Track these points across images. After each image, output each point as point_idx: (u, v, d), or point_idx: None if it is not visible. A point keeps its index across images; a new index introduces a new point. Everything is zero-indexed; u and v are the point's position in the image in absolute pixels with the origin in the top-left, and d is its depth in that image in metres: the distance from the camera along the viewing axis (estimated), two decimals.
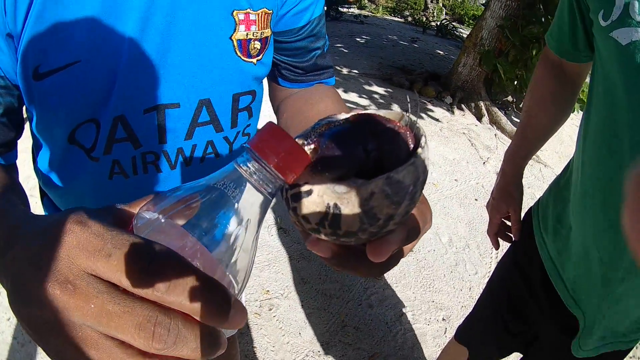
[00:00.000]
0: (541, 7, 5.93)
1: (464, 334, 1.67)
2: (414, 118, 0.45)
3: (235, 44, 0.83)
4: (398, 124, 0.44)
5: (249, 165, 0.40)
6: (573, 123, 5.55)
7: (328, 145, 0.43)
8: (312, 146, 0.45)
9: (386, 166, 0.41)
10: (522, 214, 1.45)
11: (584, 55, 1.18)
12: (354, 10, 15.91)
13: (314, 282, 2.92)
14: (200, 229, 0.38)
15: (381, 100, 6.47)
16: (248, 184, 0.40)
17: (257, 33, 0.85)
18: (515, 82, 6.16)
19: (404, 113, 0.47)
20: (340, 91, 6.58)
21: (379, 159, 0.42)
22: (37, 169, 0.95)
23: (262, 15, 0.84)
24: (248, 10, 0.82)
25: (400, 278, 3.06)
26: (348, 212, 0.39)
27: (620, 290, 1.04)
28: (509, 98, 7.11)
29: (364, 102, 6.32)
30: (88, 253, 0.34)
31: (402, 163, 0.40)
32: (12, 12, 0.68)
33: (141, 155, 0.84)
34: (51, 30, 0.70)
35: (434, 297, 2.95)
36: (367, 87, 6.95)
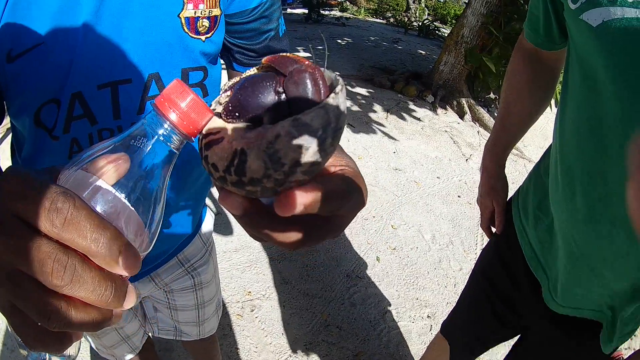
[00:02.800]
0: (525, 3, 5.97)
1: (447, 327, 1.65)
2: (336, 73, 0.44)
3: (182, 21, 0.85)
4: (307, 62, 0.42)
5: (154, 120, 0.42)
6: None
7: (240, 93, 0.42)
8: (228, 93, 0.44)
9: (297, 110, 0.39)
10: None
11: (559, 44, 1.17)
12: (336, 12, 15.96)
13: (295, 282, 2.91)
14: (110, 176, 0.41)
15: (362, 101, 6.48)
16: (154, 138, 0.42)
17: (206, 11, 0.88)
18: (499, 79, 6.19)
19: (320, 65, 0.45)
20: None
21: (292, 103, 0.40)
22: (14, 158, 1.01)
23: None
24: None
25: (383, 276, 3.05)
26: (254, 156, 0.38)
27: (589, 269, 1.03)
28: (492, 95, 7.15)
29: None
30: (11, 196, 0.38)
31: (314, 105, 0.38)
32: None
33: (97, 132, 0.87)
34: (22, 16, 0.74)
35: (418, 295, 2.94)
36: (348, 89, 6.96)
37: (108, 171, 0.41)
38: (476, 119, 6.29)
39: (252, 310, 2.67)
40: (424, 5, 17.49)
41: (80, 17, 0.77)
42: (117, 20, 0.79)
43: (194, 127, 0.42)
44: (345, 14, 15.70)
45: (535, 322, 1.28)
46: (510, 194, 1.43)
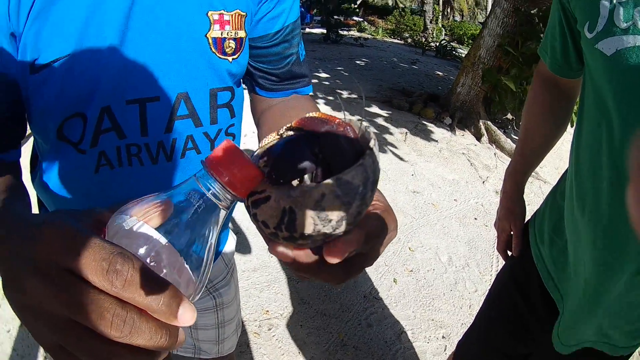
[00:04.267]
0: (540, 22, 5.99)
1: (461, 349, 1.67)
2: (365, 123, 0.48)
3: (210, 41, 0.88)
4: (337, 121, 0.47)
5: (205, 179, 0.44)
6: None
7: (279, 155, 0.46)
8: (265, 158, 0.48)
9: (336, 168, 0.43)
10: None
11: (576, 71, 1.19)
12: (354, 32, 16.06)
13: (313, 303, 2.94)
14: (164, 231, 0.43)
15: (381, 123, 6.54)
16: (205, 196, 0.44)
17: (232, 33, 0.91)
18: (517, 100, 6.18)
19: (357, 118, 0.50)
20: (341, 115, 6.65)
21: (328, 161, 0.45)
22: (34, 179, 1.01)
23: (235, 16, 0.90)
24: (222, 11, 0.88)
25: (399, 297, 3.07)
26: (302, 214, 0.42)
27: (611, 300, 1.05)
28: (508, 116, 7.14)
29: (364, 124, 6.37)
30: (63, 252, 0.40)
31: (351, 164, 0.42)
32: (16, 13, 0.75)
33: (125, 146, 0.88)
34: (47, 27, 0.76)
35: (433, 316, 2.96)
36: (367, 110, 7.02)
37: (160, 226, 0.43)
38: (493, 140, 6.30)
39: (270, 329, 2.70)
40: (440, 26, 17.52)
41: (107, 31, 0.79)
42: (144, 36, 0.82)
43: (245, 189, 0.44)
44: (363, 34, 15.79)
45: (543, 340, 1.30)
46: (527, 215, 1.46)
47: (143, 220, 0.43)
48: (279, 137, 0.51)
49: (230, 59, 0.93)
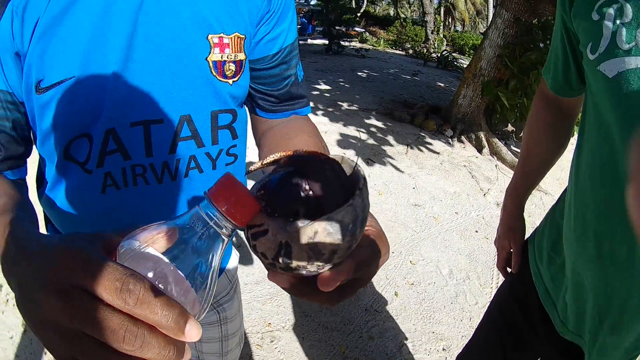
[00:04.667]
0: (540, 32, 6.03)
1: None
2: (358, 160, 0.54)
3: (210, 64, 0.91)
4: (330, 159, 0.53)
5: (208, 209, 0.48)
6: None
7: (274, 191, 0.51)
8: (262, 192, 0.53)
9: (326, 205, 0.48)
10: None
11: (577, 90, 1.20)
12: (356, 43, 16.10)
13: (315, 315, 2.97)
14: (172, 256, 0.47)
15: (382, 135, 6.58)
16: (208, 224, 0.48)
17: (232, 56, 0.93)
18: (516, 111, 6.21)
19: (343, 156, 0.56)
20: (342, 126, 6.68)
21: (318, 197, 0.49)
22: (40, 197, 1.03)
23: (235, 39, 0.93)
24: (221, 34, 0.90)
25: (400, 310, 3.10)
26: (297, 248, 0.46)
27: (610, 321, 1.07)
28: (509, 128, 7.17)
29: (364, 136, 6.43)
30: (80, 274, 0.44)
31: (341, 200, 0.47)
32: (20, 33, 0.79)
33: (130, 167, 0.91)
34: (51, 48, 0.79)
35: (434, 328, 2.99)
36: (368, 122, 7.08)
37: (166, 251, 0.47)
38: (494, 152, 6.33)
39: (272, 341, 2.73)
40: (442, 36, 17.57)
41: (110, 56, 0.82)
42: (146, 61, 0.85)
43: (244, 219, 0.48)
44: (365, 45, 15.82)
45: (546, 356, 1.32)
46: (527, 226, 1.48)
47: (151, 245, 0.47)
48: (274, 168, 0.55)
49: (230, 81, 0.95)
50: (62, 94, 0.82)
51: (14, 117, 0.87)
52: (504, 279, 1.57)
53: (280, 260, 0.48)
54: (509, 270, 1.54)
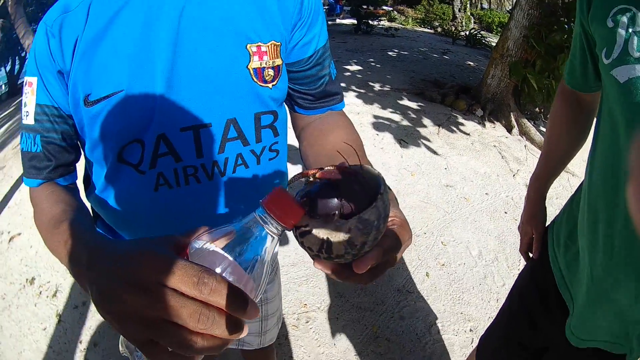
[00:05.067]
0: (562, 14, 5.95)
1: (484, 341, 1.76)
2: (376, 171, 0.67)
3: (251, 72, 1.00)
4: (357, 171, 0.66)
5: (262, 215, 0.59)
6: None
7: (315, 199, 0.64)
8: (305, 199, 0.65)
9: (356, 207, 0.61)
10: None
11: (594, 86, 1.24)
12: (385, 22, 15.93)
13: (349, 296, 3.07)
14: (234, 253, 0.58)
15: (414, 115, 6.62)
16: (263, 227, 0.59)
17: (269, 62, 1.02)
18: (544, 92, 6.16)
19: (368, 166, 0.69)
20: (375, 107, 6.73)
21: (349, 202, 0.62)
22: (89, 195, 1.15)
23: (271, 47, 1.02)
24: (259, 43, 1.00)
25: (431, 291, 3.18)
26: (336, 242, 0.59)
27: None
28: (538, 109, 7.12)
29: (397, 117, 6.48)
30: (162, 272, 0.53)
31: (368, 204, 0.60)
32: (60, 54, 0.90)
33: (182, 168, 1.01)
34: (96, 64, 0.89)
35: (462, 309, 3.08)
36: (400, 102, 7.11)
37: (229, 249, 0.58)
38: (523, 132, 6.30)
39: (307, 322, 2.87)
40: (469, 14, 17.30)
41: (156, 69, 0.91)
42: (191, 73, 0.94)
43: (291, 222, 0.59)
44: (393, 24, 15.65)
45: (558, 341, 1.37)
46: (554, 208, 1.52)
47: (216, 245, 0.58)
48: (313, 179, 0.68)
49: (270, 85, 1.04)
50: (113, 106, 0.91)
51: (62, 129, 0.97)
52: (525, 266, 1.63)
53: (323, 252, 0.61)
54: (530, 255, 1.60)
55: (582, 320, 1.22)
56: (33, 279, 3.21)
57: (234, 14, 0.97)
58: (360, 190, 0.63)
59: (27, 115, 0.96)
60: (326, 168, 0.66)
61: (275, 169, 1.17)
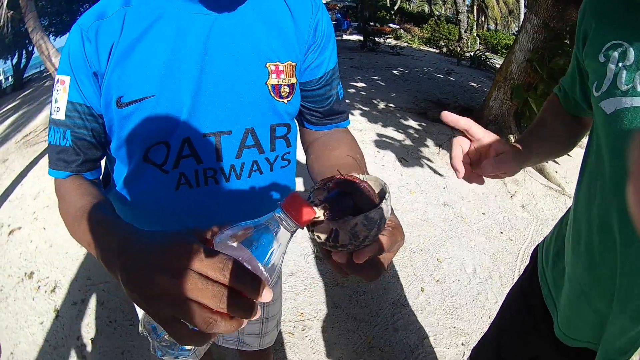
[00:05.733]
0: (567, 36, 5.99)
1: (475, 353, 1.80)
2: (383, 181, 0.77)
3: (269, 88, 1.09)
4: (363, 183, 0.77)
5: (280, 215, 0.66)
6: None
7: (330, 201, 0.73)
8: (324, 204, 0.73)
9: (364, 208, 0.71)
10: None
11: (588, 112, 1.23)
12: (391, 40, 16.02)
13: (345, 307, 3.11)
14: (253, 246, 0.65)
15: (416, 135, 6.69)
16: (280, 225, 0.66)
17: (286, 80, 1.10)
18: None
19: (377, 177, 0.79)
20: (378, 125, 6.80)
21: (357, 203, 0.73)
22: (108, 192, 1.21)
23: (288, 66, 1.10)
24: (277, 62, 1.08)
25: (425, 305, 3.23)
26: (342, 233, 0.68)
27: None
28: None
29: (399, 136, 6.55)
30: (192, 259, 0.60)
31: (373, 207, 0.69)
32: (95, 57, 0.97)
33: (202, 170, 1.09)
34: (128, 71, 0.96)
35: (455, 324, 3.11)
36: (403, 122, 7.18)
37: (248, 243, 0.65)
38: None
39: (303, 330, 2.91)
40: (475, 35, 17.39)
41: (184, 79, 0.98)
42: (216, 83, 1.01)
43: (305, 220, 0.66)
44: (399, 42, 15.73)
45: (546, 353, 1.42)
46: (545, 231, 1.53)
47: (237, 239, 0.65)
48: (327, 188, 0.79)
49: (285, 101, 1.12)
50: (143, 109, 0.98)
51: (92, 126, 1.03)
52: (515, 281, 1.66)
53: (331, 241, 0.69)
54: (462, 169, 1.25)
55: (567, 321, 1.27)
56: (32, 273, 3.27)
57: (256, 34, 1.05)
58: (366, 197, 0.74)
59: (57, 111, 1.01)
60: (345, 176, 0.78)
61: (286, 177, 1.26)
